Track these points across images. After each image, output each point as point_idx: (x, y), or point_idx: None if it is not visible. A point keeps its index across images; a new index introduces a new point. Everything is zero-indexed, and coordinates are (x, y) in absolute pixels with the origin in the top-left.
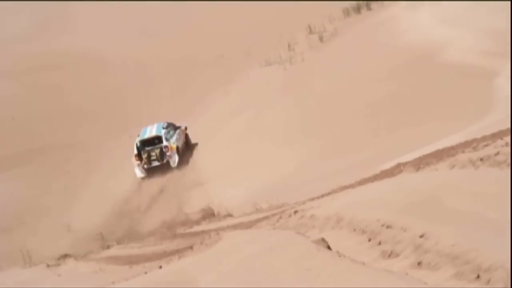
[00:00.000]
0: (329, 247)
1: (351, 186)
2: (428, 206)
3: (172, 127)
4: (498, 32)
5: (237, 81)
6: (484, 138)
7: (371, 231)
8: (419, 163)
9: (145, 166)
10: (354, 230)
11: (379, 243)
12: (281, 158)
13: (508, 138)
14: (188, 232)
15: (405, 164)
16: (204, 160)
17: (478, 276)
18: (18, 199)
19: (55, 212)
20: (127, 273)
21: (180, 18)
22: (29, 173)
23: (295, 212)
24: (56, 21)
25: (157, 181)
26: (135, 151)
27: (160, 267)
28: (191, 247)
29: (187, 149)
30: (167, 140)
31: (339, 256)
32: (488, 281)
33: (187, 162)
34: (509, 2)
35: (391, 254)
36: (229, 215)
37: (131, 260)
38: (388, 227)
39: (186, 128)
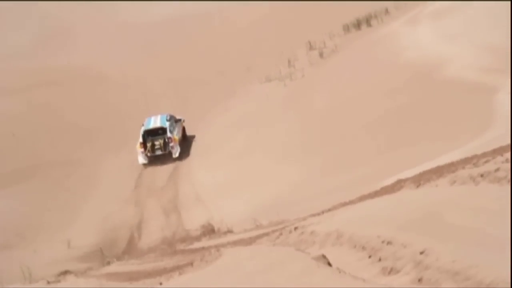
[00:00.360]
0: (329, 264)
1: (351, 202)
2: (429, 222)
3: (173, 119)
4: (498, 48)
5: (237, 97)
6: (484, 154)
7: (371, 248)
8: (420, 179)
9: (148, 154)
10: (355, 246)
11: (380, 260)
12: (282, 174)
13: (508, 154)
14: (188, 249)
15: (405, 180)
16: (204, 176)
17: None
18: (18, 216)
19: (55, 228)
20: None
21: (180, 35)
22: (29, 189)
23: (295, 228)
24: (57, 37)
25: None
26: (141, 140)
27: (161, 283)
28: (191, 264)
29: (183, 141)
30: (170, 132)
31: (340, 273)
32: None
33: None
34: (509, 18)
35: (391, 271)
36: (229, 231)
37: (131, 277)
38: (388, 243)
39: (183, 121)
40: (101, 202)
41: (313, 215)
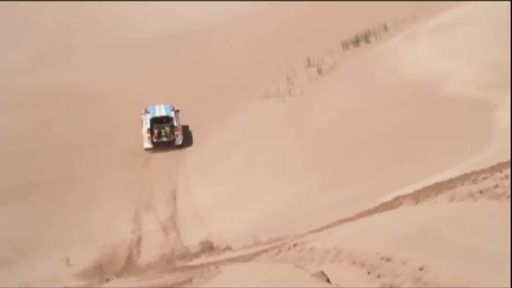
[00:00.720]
0: (328, 280)
1: (350, 219)
2: (428, 238)
3: (174, 110)
4: (498, 64)
5: (236, 113)
6: (483, 171)
7: (370, 264)
8: (419, 196)
9: (155, 140)
10: (354, 263)
11: (379, 276)
12: (281, 191)
13: (507, 171)
14: (187, 266)
15: (404, 197)
16: (203, 192)
17: None
18: (17, 232)
19: (55, 245)
20: None
21: (178, 51)
22: (28, 206)
23: (295, 245)
24: (54, 54)
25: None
26: (148, 126)
27: None
28: (190, 281)
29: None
30: (176, 121)
31: None
32: None
33: None
34: (508, 34)
35: (390, 287)
36: (228, 248)
37: None
38: (387, 260)
39: (178, 111)
40: (100, 219)
41: (312, 232)
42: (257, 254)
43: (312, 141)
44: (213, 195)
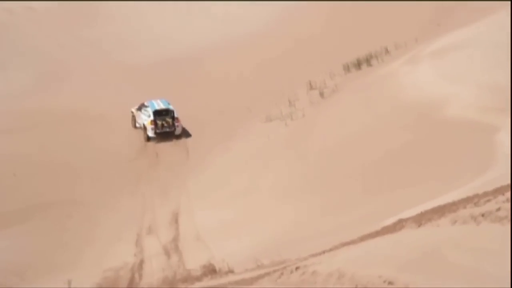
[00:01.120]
0: None
1: (352, 242)
2: (430, 262)
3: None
4: (499, 87)
5: (238, 137)
6: (485, 194)
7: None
8: (421, 219)
9: (158, 130)
10: (356, 286)
11: None
12: (283, 214)
13: (509, 194)
14: None
15: (406, 220)
16: (205, 215)
17: None
18: (18, 256)
19: (56, 269)
20: None
21: (178, 75)
22: (30, 229)
23: (297, 268)
24: (56, 76)
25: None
26: (152, 118)
27: None
28: None
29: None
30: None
31: None
32: None
33: None
34: (509, 57)
35: None
36: (231, 271)
37: None
38: (390, 283)
39: None
40: (102, 242)
41: (315, 255)
42: (260, 277)
43: (314, 164)
44: (215, 218)
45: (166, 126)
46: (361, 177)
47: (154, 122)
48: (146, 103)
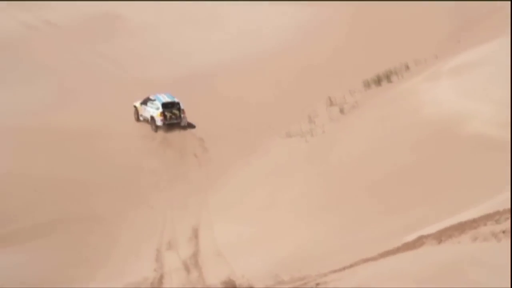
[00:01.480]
0: None
1: (372, 258)
2: (451, 279)
3: None
4: None
5: (258, 153)
6: (506, 211)
7: None
8: (441, 236)
9: (166, 122)
10: None
11: None
12: (303, 230)
13: None
14: None
15: (427, 236)
16: (225, 230)
17: None
18: (39, 271)
19: (77, 284)
20: None
21: (197, 91)
22: (50, 244)
23: (317, 284)
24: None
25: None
26: (161, 110)
27: None
28: None
29: None
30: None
31: None
32: None
33: None
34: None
35: None
36: (251, 287)
37: None
38: None
39: None
40: (122, 257)
41: (335, 271)
42: None
43: (334, 180)
44: (235, 234)
45: (174, 118)
46: (381, 193)
47: (163, 114)
48: (151, 97)
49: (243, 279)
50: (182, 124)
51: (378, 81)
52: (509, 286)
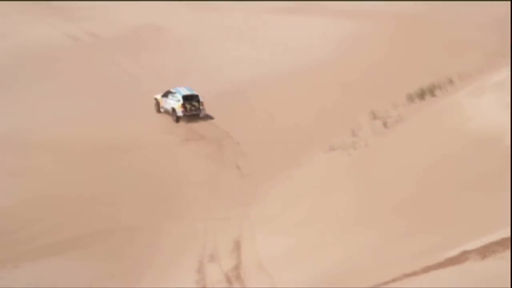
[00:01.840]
0: None
1: (414, 273)
2: None
3: None
4: None
5: (300, 165)
6: None
7: None
8: (485, 251)
9: (186, 113)
10: None
11: None
12: (345, 243)
13: None
14: None
15: (470, 252)
16: (266, 243)
17: None
18: (78, 282)
19: None
20: None
21: (238, 102)
22: (92, 254)
23: None
24: (117, 104)
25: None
26: (181, 102)
27: None
28: None
29: None
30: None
31: None
32: None
33: None
34: None
35: None
36: None
37: None
38: None
39: None
40: (163, 268)
41: (377, 286)
42: None
43: (377, 194)
44: (277, 246)
45: (193, 109)
46: (424, 207)
47: (183, 105)
48: (172, 90)
49: None
50: (201, 115)
51: (421, 95)
52: None
